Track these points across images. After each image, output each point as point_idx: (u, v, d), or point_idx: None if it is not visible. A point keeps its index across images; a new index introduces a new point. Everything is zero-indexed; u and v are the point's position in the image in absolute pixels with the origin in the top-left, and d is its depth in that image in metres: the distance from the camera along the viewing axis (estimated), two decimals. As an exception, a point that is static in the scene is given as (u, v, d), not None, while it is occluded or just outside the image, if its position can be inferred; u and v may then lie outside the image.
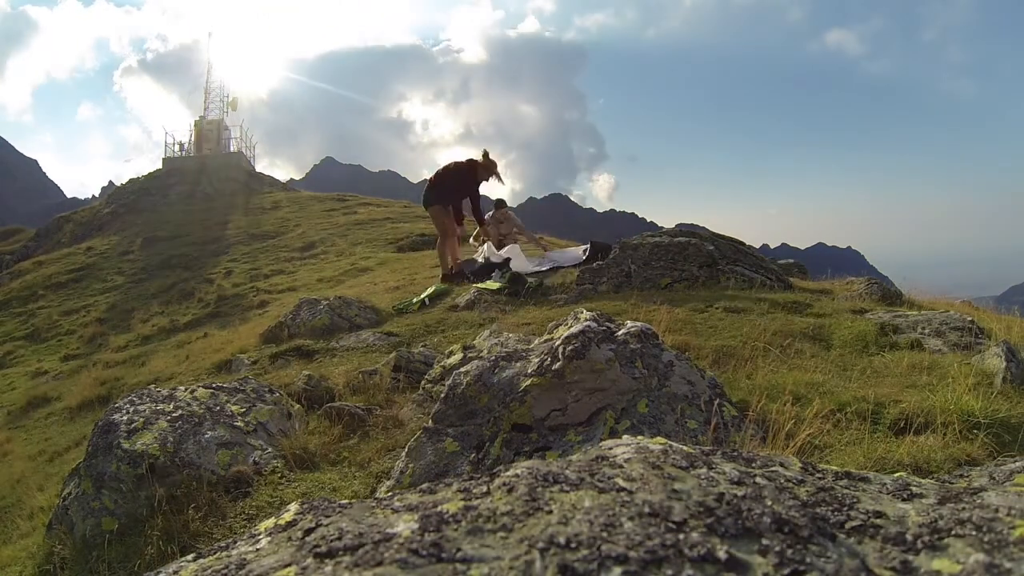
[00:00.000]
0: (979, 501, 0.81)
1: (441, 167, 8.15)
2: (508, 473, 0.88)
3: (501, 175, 8.04)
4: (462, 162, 8.10)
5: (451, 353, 3.32)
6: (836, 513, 0.78)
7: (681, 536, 0.71)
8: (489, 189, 8.45)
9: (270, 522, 0.89)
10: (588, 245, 8.66)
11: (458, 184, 7.98)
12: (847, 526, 0.76)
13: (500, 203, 10.36)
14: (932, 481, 0.97)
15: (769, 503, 0.78)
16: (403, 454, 2.35)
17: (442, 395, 2.47)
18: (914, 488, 0.88)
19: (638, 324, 2.16)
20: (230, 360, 5.83)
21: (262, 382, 3.27)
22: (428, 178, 8.16)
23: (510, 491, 0.82)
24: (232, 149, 33.32)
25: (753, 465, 0.93)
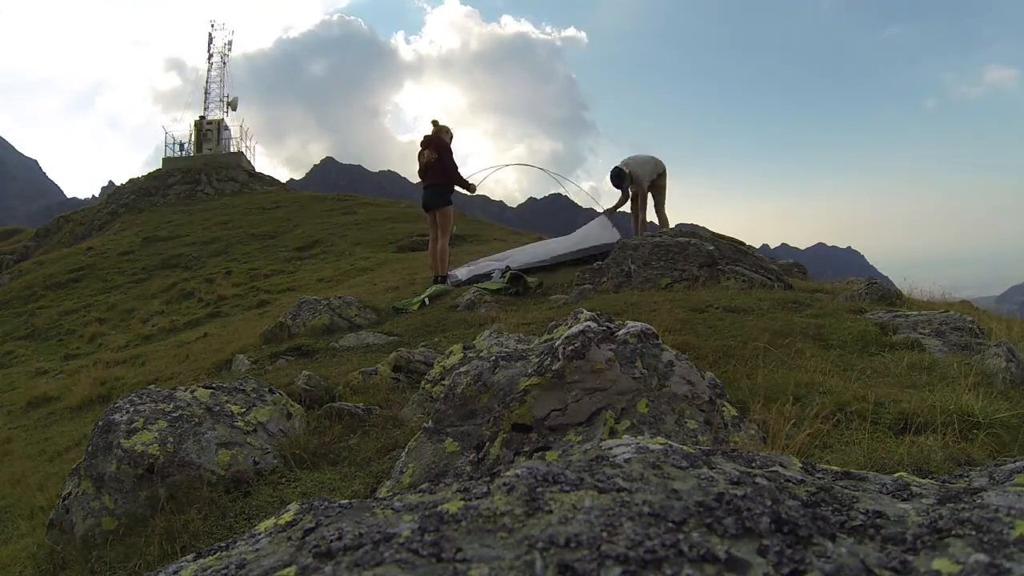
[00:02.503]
0: (979, 501, 0.81)
1: (427, 160, 7.74)
2: (508, 473, 0.88)
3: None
4: (434, 141, 7.80)
5: (451, 353, 3.32)
6: (836, 513, 0.78)
7: (681, 536, 0.71)
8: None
9: (270, 522, 0.89)
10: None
11: (450, 167, 7.79)
12: (847, 526, 0.76)
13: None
14: (932, 481, 0.97)
15: (769, 503, 0.78)
16: (403, 454, 2.35)
17: (442, 395, 2.47)
18: (914, 488, 0.88)
19: (638, 324, 2.16)
20: (230, 360, 5.83)
21: (262, 382, 3.27)
22: (426, 180, 7.81)
23: (510, 491, 0.82)
24: (232, 149, 33.33)
25: (753, 465, 0.93)
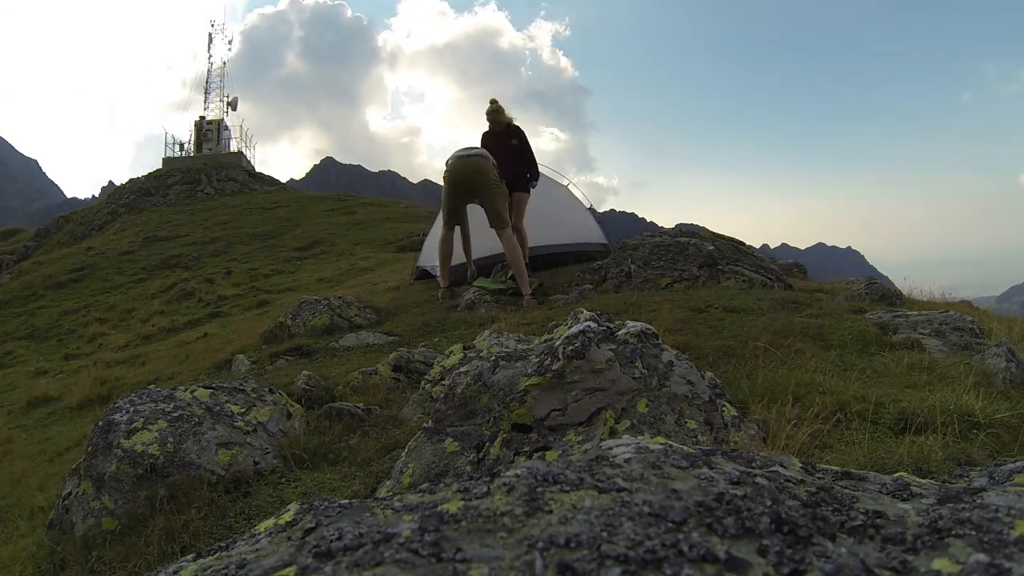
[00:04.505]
0: (979, 501, 0.81)
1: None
2: (508, 473, 0.88)
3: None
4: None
5: (451, 353, 3.32)
6: (836, 513, 0.78)
7: (681, 536, 0.71)
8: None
9: (270, 522, 0.89)
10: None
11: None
12: (847, 526, 0.76)
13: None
14: (932, 481, 0.97)
15: (769, 503, 0.78)
16: (403, 454, 2.35)
17: (442, 395, 2.47)
18: (914, 488, 0.88)
19: (638, 324, 2.16)
20: (230, 360, 5.83)
21: (262, 382, 3.27)
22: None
23: (510, 491, 0.82)
24: (232, 149, 33.34)
25: (753, 465, 0.93)
